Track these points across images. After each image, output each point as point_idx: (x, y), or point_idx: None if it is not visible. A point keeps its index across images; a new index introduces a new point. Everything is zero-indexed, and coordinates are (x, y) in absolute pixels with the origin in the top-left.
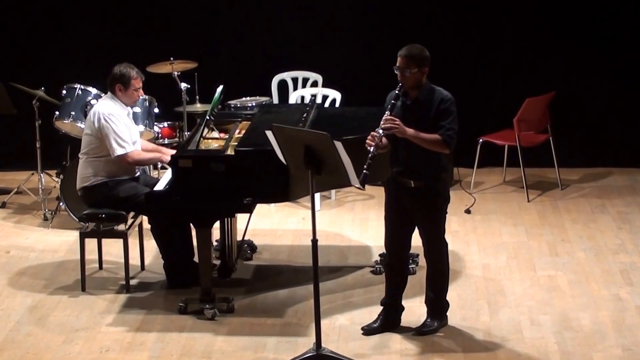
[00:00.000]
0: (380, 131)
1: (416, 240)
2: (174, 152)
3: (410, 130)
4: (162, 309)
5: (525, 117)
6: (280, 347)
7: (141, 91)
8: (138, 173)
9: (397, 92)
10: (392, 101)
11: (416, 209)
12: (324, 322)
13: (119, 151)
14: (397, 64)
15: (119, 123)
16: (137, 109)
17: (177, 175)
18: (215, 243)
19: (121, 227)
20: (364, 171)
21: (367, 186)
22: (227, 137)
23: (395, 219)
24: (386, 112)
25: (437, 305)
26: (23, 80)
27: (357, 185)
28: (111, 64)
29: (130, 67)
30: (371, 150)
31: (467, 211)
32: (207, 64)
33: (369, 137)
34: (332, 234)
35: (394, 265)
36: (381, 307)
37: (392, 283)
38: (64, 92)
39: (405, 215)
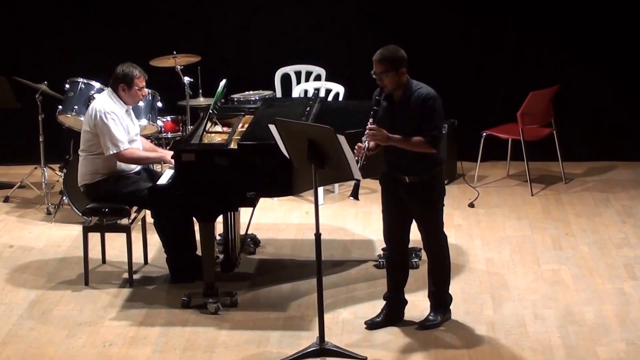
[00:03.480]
0: (366, 143)
1: (418, 234)
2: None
3: (392, 137)
4: (165, 303)
5: (529, 111)
6: (283, 341)
7: (144, 90)
8: (139, 167)
9: (377, 97)
10: (374, 107)
11: (413, 203)
12: (327, 316)
13: (111, 150)
14: (374, 70)
15: (115, 121)
16: (141, 103)
17: (180, 169)
18: (218, 237)
19: (124, 221)
20: (355, 182)
21: (369, 180)
22: (230, 131)
23: (392, 213)
24: (369, 121)
25: (440, 298)
26: (26, 74)
27: (358, 178)
28: (114, 57)
29: (133, 67)
30: (358, 161)
31: (471, 205)
32: (210, 58)
33: (356, 148)
34: (336, 228)
35: (395, 259)
36: (384, 302)
37: (394, 277)
38: (67, 86)
39: (403, 209)
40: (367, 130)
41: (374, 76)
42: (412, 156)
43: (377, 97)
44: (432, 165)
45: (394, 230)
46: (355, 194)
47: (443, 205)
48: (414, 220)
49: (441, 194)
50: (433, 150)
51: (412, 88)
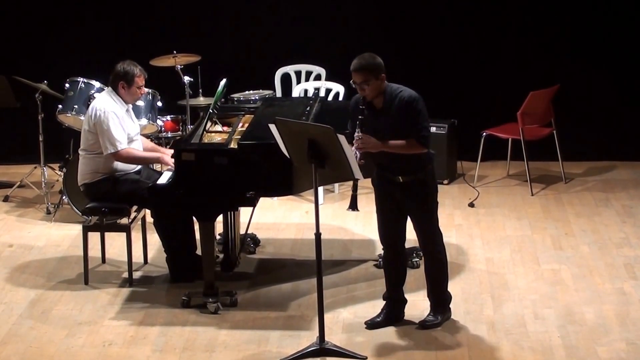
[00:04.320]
0: (358, 154)
1: (414, 233)
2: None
3: (383, 144)
4: (165, 302)
5: (529, 111)
6: (283, 341)
7: (144, 88)
8: (139, 166)
9: (361, 107)
10: (360, 117)
11: (407, 203)
12: (327, 316)
13: (109, 149)
14: (354, 80)
15: (114, 121)
16: (141, 103)
17: (180, 168)
18: (218, 237)
19: (124, 220)
20: (352, 194)
21: (369, 180)
22: (230, 130)
23: (387, 213)
24: (357, 131)
25: (439, 297)
26: (26, 73)
27: (359, 178)
28: (114, 57)
29: (134, 65)
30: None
31: (471, 205)
32: (210, 58)
33: None
34: (336, 227)
35: (392, 259)
36: (384, 302)
37: (392, 277)
38: (67, 85)
39: (397, 208)
40: (356, 141)
41: (354, 86)
42: (404, 157)
43: (361, 107)
44: (425, 163)
45: (390, 230)
46: (354, 206)
47: (437, 202)
48: (408, 220)
49: (435, 191)
50: (424, 150)
51: (392, 92)
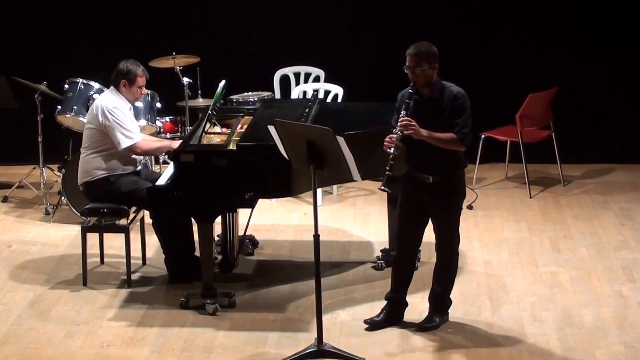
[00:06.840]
0: (398, 133)
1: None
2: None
3: (424, 132)
4: (163, 303)
5: (528, 113)
6: (281, 343)
7: (144, 89)
8: (139, 167)
9: (410, 91)
10: (407, 101)
11: (433, 204)
12: (325, 318)
13: (126, 142)
14: (407, 63)
15: (124, 115)
16: (139, 104)
17: (179, 170)
18: (216, 238)
19: (123, 221)
20: (387, 173)
21: (368, 181)
22: (229, 132)
23: (410, 215)
24: (402, 113)
25: (442, 301)
26: (25, 74)
27: (357, 180)
28: (114, 58)
29: (137, 65)
30: (391, 151)
31: (469, 207)
32: (209, 59)
33: (387, 139)
34: (334, 229)
35: (404, 261)
36: (385, 302)
37: (400, 278)
38: (66, 86)
39: (421, 212)
40: (400, 122)
41: (406, 71)
42: (437, 156)
43: (410, 91)
44: (456, 167)
45: (409, 233)
46: (387, 184)
47: (461, 209)
48: (428, 224)
49: (462, 197)
50: (463, 148)
51: (442, 86)
